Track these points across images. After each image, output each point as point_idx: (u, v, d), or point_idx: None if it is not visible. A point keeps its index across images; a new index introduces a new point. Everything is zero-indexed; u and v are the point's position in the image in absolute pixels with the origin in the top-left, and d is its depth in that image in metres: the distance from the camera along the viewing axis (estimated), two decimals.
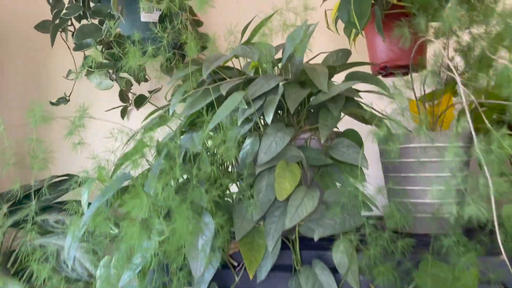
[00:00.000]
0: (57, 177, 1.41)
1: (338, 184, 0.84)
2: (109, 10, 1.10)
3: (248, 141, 0.80)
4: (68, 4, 1.10)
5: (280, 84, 0.83)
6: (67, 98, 1.32)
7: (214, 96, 0.84)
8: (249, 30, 0.99)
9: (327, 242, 0.76)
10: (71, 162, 1.48)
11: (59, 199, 1.33)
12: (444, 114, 1.01)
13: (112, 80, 1.09)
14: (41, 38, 1.50)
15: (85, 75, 1.38)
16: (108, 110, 1.46)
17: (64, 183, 1.38)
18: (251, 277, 0.73)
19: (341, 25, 1.18)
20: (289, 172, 0.77)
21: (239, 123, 0.80)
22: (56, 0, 1.26)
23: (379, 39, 1.07)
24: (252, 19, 1.01)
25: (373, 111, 1.01)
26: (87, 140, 1.41)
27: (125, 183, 0.80)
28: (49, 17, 1.27)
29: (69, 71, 1.26)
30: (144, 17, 1.18)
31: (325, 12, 1.22)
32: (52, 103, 1.32)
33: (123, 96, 1.43)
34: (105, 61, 1.11)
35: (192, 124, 0.91)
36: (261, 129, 0.84)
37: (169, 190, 0.71)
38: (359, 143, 0.85)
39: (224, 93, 0.81)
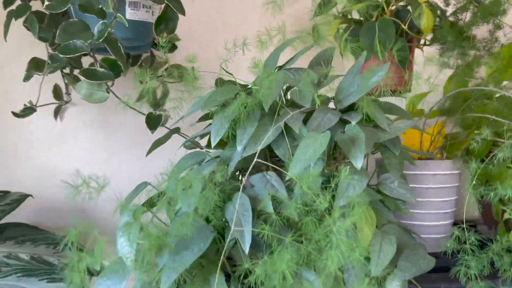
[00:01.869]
0: None
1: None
2: (100, 6, 0.91)
3: None
4: None
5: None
6: (34, 107, 1.06)
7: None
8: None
9: None
10: None
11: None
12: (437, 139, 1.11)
13: (108, 92, 0.90)
14: None
15: (65, 83, 1.13)
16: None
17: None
18: None
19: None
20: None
21: (312, 165, 0.76)
22: None
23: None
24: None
25: None
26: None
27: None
28: None
29: (29, 73, 1.00)
30: (130, 14, 1.01)
31: (315, 27, 1.20)
32: (15, 114, 1.04)
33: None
34: (100, 69, 0.92)
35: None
36: None
37: None
38: (403, 176, 0.88)
39: (297, 130, 0.76)
